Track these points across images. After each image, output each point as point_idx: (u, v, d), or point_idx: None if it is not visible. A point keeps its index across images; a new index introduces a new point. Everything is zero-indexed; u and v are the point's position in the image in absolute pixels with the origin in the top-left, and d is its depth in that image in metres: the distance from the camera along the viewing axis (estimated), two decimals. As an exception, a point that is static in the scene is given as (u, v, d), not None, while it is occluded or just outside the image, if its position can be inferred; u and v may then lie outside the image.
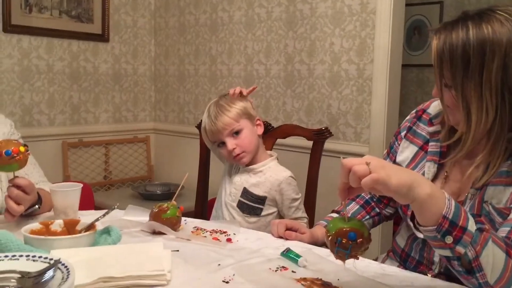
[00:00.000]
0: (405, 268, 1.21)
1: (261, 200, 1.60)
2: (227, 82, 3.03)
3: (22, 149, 1.22)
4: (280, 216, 1.64)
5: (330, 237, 0.88)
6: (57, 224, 1.15)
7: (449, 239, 0.90)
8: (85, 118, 3.14)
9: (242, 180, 1.63)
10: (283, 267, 1.08)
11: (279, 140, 1.92)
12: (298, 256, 1.11)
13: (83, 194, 2.83)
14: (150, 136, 3.49)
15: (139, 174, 3.44)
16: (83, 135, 3.12)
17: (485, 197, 1.06)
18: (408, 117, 1.32)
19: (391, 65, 2.36)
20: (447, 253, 0.93)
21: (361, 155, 2.48)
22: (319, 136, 1.80)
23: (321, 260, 1.12)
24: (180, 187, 1.40)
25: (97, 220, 1.15)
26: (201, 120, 1.67)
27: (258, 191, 1.60)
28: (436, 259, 1.15)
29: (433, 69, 1.08)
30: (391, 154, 1.34)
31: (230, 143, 1.57)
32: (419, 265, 1.20)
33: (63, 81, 3.01)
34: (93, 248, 1.06)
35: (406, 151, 1.27)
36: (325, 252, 1.16)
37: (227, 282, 0.98)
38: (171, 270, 1.01)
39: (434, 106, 1.26)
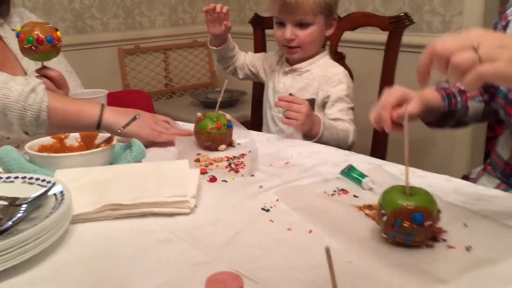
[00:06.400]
0: (510, 186, 0.92)
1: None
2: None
3: (59, 34, 1.08)
4: None
5: (386, 217, 0.62)
6: (73, 138, 0.98)
7: None
8: (140, 22, 2.93)
9: (287, 86, 1.39)
10: (342, 190, 0.83)
11: (347, 35, 1.59)
12: (363, 175, 0.85)
13: (142, 103, 2.70)
14: (211, 39, 3.23)
15: (202, 81, 3.25)
16: (140, 40, 2.93)
17: None
18: None
19: None
20: None
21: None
22: (396, 25, 1.47)
23: (393, 181, 0.86)
24: (220, 95, 1.15)
25: (116, 133, 0.96)
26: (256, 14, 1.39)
27: (306, 95, 1.34)
28: None
29: None
30: None
31: (291, 31, 1.32)
32: None
33: (112, -19, 2.77)
34: (105, 167, 0.87)
35: None
36: (399, 170, 0.90)
37: (267, 210, 0.77)
38: (199, 195, 0.81)
39: None
